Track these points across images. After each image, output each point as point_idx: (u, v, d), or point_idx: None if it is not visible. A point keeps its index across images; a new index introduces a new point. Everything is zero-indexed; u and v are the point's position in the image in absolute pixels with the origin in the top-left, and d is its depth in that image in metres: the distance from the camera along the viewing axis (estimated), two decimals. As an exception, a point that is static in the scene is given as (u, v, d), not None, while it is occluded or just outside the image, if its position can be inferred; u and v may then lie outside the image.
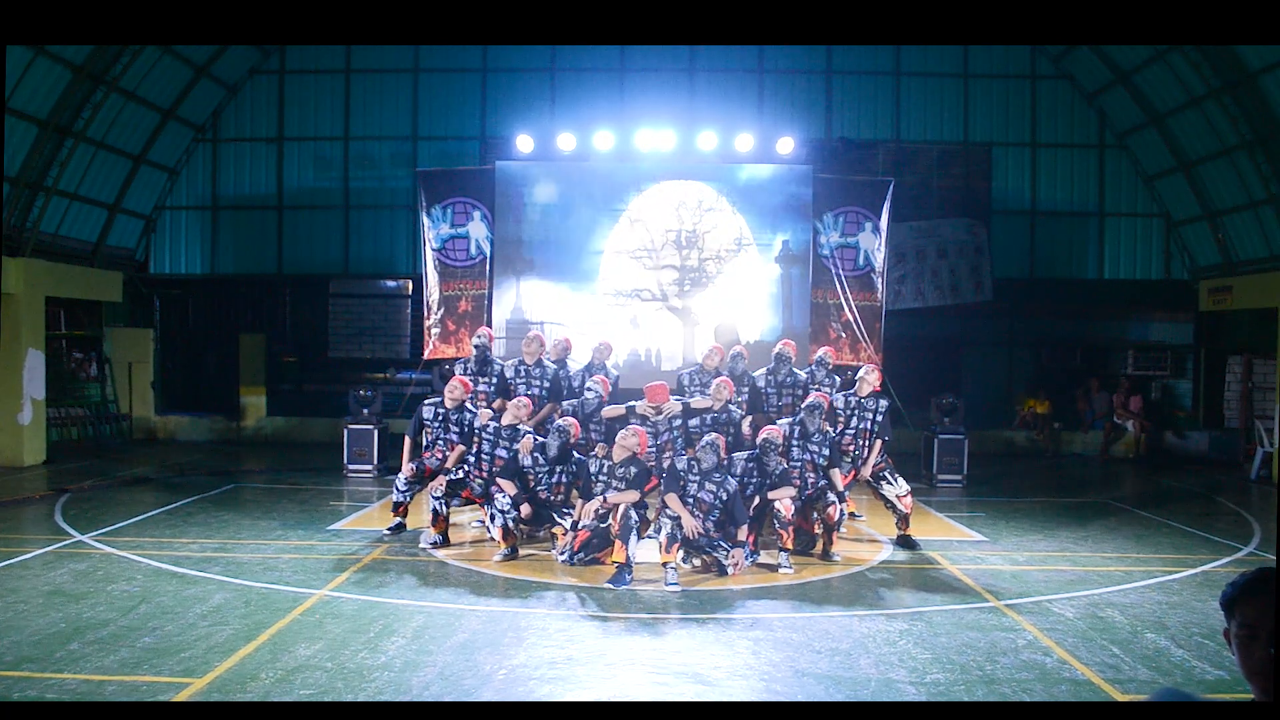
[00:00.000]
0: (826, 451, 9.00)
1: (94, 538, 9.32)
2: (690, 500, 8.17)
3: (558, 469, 8.77)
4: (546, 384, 10.21)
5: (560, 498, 8.89)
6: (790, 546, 8.57)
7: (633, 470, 8.42)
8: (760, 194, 13.87)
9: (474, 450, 9.23)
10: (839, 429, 9.61)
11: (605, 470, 8.48)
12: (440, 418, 9.53)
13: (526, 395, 9.89)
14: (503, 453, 9.04)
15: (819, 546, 8.95)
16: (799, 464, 8.91)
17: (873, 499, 10.53)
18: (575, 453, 8.94)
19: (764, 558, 8.70)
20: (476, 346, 10.50)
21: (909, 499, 9.55)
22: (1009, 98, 18.13)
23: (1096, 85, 17.67)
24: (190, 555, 8.70)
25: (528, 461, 8.77)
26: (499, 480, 8.78)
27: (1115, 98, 17.49)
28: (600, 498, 8.35)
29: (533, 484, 8.76)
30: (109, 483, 12.77)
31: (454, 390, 9.48)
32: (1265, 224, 15.57)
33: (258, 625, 6.64)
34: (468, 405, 9.67)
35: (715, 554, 8.22)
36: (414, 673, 5.78)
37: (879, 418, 9.68)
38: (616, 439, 8.67)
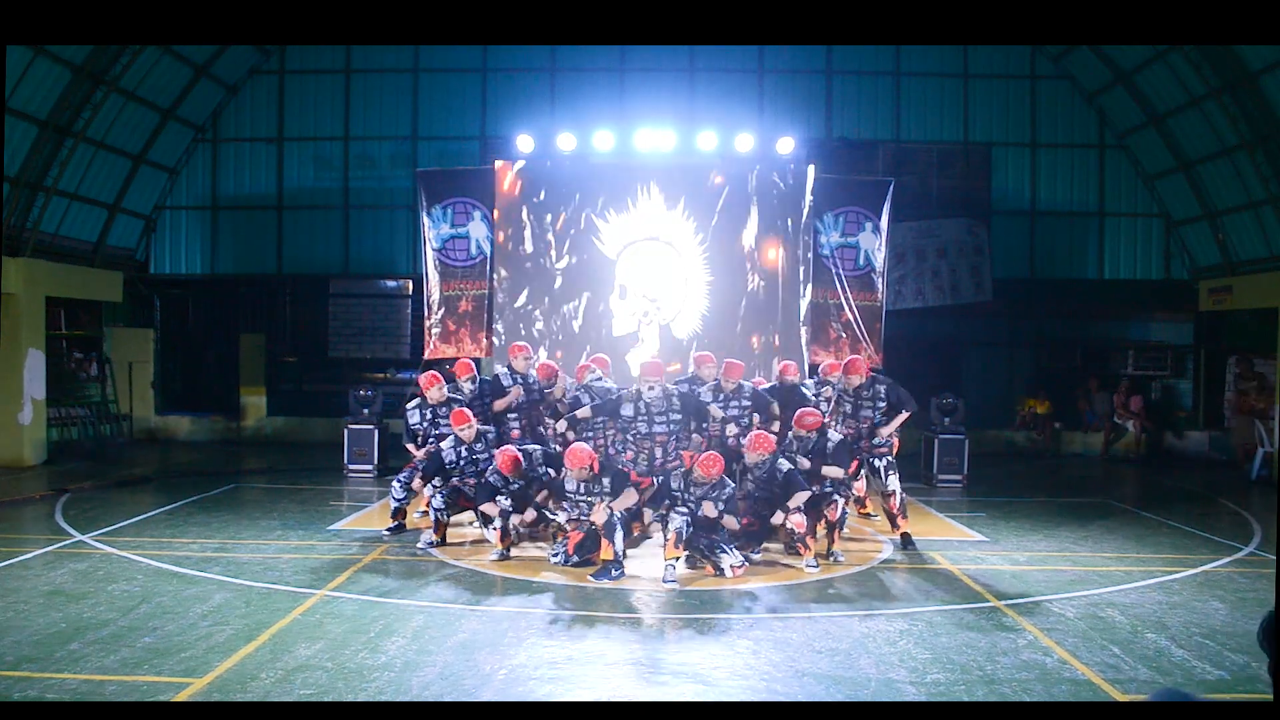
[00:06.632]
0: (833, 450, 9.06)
1: (94, 538, 9.32)
2: (692, 506, 8.20)
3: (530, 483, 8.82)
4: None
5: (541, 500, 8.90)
6: (813, 555, 8.60)
7: (605, 481, 8.39)
8: (760, 194, 13.83)
9: (459, 464, 9.24)
10: (839, 418, 9.69)
11: (582, 490, 8.44)
12: (430, 418, 9.69)
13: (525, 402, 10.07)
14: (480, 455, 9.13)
15: (821, 545, 8.95)
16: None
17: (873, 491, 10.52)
18: (546, 469, 8.93)
19: (760, 556, 8.71)
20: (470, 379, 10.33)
21: (895, 500, 9.36)
22: (1009, 98, 18.10)
23: (1096, 85, 17.66)
24: (190, 555, 8.71)
25: (499, 482, 8.74)
26: (482, 508, 8.76)
27: (1115, 98, 17.48)
28: (606, 508, 8.27)
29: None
30: (109, 483, 12.76)
31: (432, 390, 9.68)
32: (1265, 224, 15.55)
33: (258, 625, 6.64)
34: (454, 396, 9.81)
35: (713, 557, 8.22)
36: (414, 673, 5.78)
37: (880, 403, 9.68)
38: (566, 464, 8.45)
